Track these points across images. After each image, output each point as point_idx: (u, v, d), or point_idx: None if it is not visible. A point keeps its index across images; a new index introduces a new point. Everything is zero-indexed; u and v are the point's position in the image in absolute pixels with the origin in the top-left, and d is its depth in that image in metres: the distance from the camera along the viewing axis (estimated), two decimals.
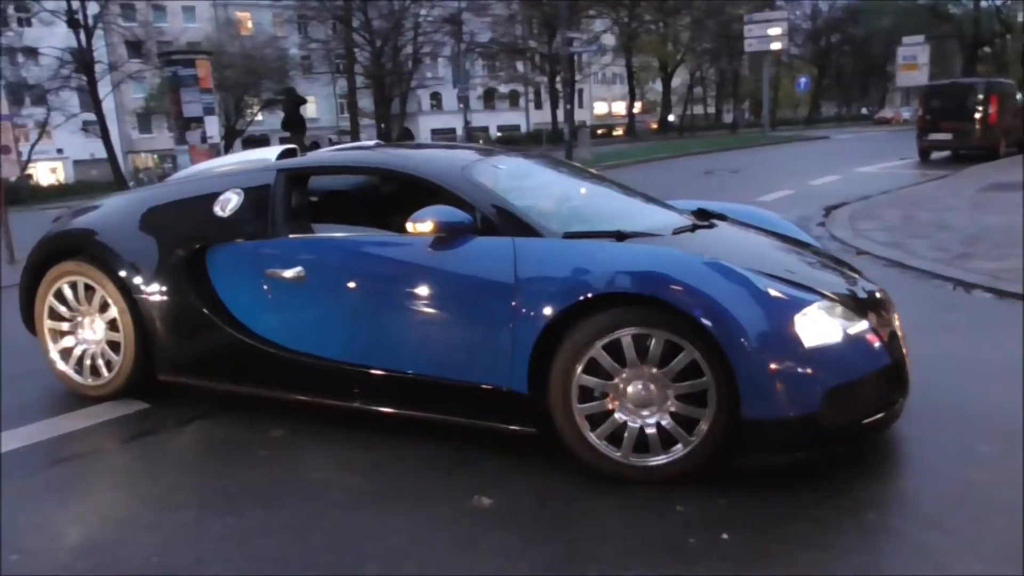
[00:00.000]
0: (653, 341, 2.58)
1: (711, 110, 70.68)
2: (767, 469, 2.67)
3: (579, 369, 2.66)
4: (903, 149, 19.66)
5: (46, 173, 45.74)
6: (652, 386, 2.63)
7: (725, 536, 2.33)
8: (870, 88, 72.74)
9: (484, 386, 2.87)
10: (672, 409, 2.61)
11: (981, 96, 16.99)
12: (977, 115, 16.89)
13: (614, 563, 2.22)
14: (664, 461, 2.63)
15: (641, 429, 2.64)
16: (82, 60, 34.74)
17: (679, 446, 2.61)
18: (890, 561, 2.24)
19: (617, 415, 2.67)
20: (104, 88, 36.01)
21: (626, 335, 2.60)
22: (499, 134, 56.65)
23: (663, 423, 2.63)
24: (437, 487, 2.74)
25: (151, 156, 49.46)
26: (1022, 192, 9.66)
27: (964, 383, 3.51)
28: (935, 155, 17.65)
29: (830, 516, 2.44)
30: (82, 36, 34.42)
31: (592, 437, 2.68)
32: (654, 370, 2.61)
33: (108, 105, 37.96)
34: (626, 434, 2.65)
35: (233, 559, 2.30)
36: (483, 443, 2.97)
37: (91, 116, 37.03)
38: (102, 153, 37.48)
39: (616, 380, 2.65)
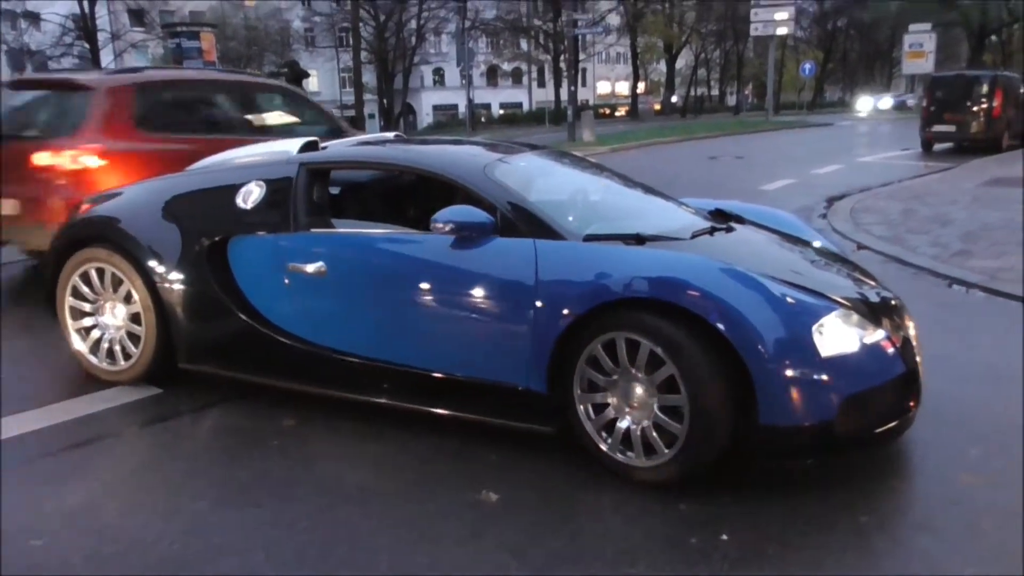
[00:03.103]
0: (640, 348, 2.64)
1: (714, 92, 70.34)
2: (768, 469, 2.77)
3: (583, 363, 2.77)
4: (906, 139, 19.67)
5: None
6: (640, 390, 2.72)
7: (725, 537, 2.42)
8: (875, 74, 72.29)
9: (503, 385, 2.94)
10: (654, 418, 2.69)
11: (986, 88, 16.96)
12: (981, 108, 16.88)
13: (618, 561, 2.31)
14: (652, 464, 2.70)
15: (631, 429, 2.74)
16: (85, 27, 34.47)
17: (665, 450, 2.67)
18: (882, 562, 2.33)
19: (609, 411, 2.78)
20: (106, 57, 35.75)
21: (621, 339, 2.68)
22: (501, 111, 56.38)
23: (645, 427, 2.71)
24: (443, 480, 2.83)
25: None
26: (1022, 188, 9.71)
27: (957, 385, 3.59)
28: (938, 146, 17.65)
29: (825, 517, 2.54)
30: (85, 3, 34.12)
31: (594, 433, 2.81)
32: (641, 375, 2.70)
33: None
34: (620, 432, 2.76)
35: (252, 549, 2.39)
36: (487, 438, 3.06)
37: None
38: None
39: (614, 378, 2.75)
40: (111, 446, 3.22)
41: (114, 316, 3.75)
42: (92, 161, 5.17)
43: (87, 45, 34.83)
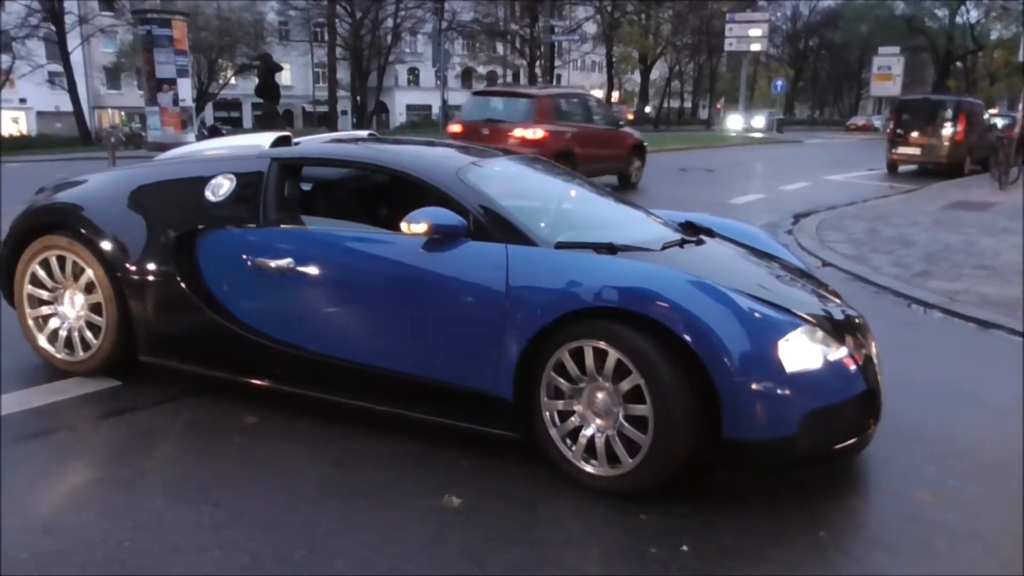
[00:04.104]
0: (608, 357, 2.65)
1: (687, 104, 71.08)
2: (728, 482, 2.79)
3: (549, 370, 2.77)
4: (872, 159, 20.04)
5: (8, 122, 44.42)
6: (606, 398, 2.72)
7: (685, 548, 2.43)
8: (844, 94, 73.67)
9: (469, 389, 2.92)
10: (619, 428, 2.69)
11: (950, 113, 17.38)
12: (945, 132, 17.28)
13: (578, 569, 2.31)
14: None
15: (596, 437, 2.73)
16: (51, 10, 33.70)
17: (628, 460, 2.67)
18: None
19: (573, 419, 2.77)
20: (73, 40, 35.01)
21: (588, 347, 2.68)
22: None
23: (610, 436, 2.71)
24: (406, 483, 2.80)
25: (119, 113, 48.28)
26: (983, 213, 9.93)
27: (915, 403, 3.65)
28: (903, 168, 18.02)
29: (783, 532, 2.56)
30: None
31: (558, 440, 2.80)
32: (607, 384, 2.70)
33: (76, 58, 36.93)
34: (584, 439, 2.75)
35: (208, 549, 2.34)
36: (452, 441, 3.04)
37: (58, 67, 36.00)
38: (67, 106, 36.49)
39: (580, 386, 2.74)
40: (65, 439, 3.14)
41: (73, 305, 3.66)
42: (541, 135, 11.20)
43: (53, 27, 34.07)
